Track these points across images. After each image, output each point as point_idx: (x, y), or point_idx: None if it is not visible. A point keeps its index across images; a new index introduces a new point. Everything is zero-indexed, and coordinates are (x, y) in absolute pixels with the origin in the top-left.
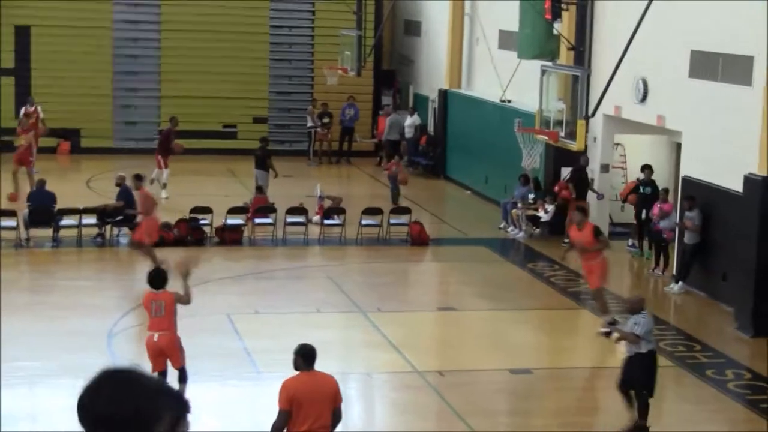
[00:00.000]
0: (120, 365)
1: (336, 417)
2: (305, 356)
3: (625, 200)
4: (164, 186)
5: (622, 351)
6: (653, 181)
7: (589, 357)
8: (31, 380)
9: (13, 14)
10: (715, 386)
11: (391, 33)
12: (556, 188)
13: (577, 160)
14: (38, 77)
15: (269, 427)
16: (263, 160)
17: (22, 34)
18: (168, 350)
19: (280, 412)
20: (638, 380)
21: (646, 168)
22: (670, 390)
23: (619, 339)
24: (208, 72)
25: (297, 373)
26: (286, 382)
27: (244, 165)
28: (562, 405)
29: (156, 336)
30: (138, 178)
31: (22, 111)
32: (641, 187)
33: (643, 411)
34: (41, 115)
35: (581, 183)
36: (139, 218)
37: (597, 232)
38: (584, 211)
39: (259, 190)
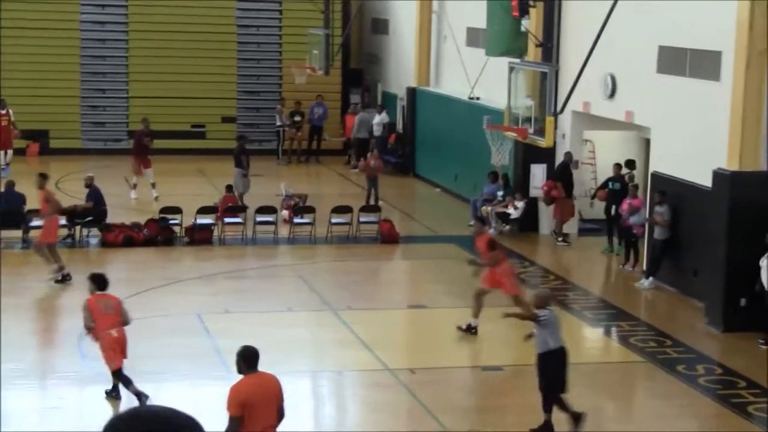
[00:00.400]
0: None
1: (280, 414)
2: (247, 359)
3: (594, 196)
4: (153, 185)
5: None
6: (623, 177)
7: None
8: (2, 381)
9: None
10: (686, 381)
11: (358, 31)
12: (545, 187)
13: (548, 157)
14: (6, 79)
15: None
16: (237, 159)
17: None
18: (123, 345)
19: (232, 419)
20: (551, 378)
21: (617, 164)
22: (640, 385)
23: (529, 322)
24: (176, 72)
25: (242, 377)
26: (236, 387)
27: (213, 165)
28: (533, 402)
29: (114, 331)
30: (42, 177)
31: None
32: (611, 183)
33: (562, 404)
34: (12, 118)
35: (567, 180)
36: (41, 220)
37: (492, 244)
38: (482, 221)
39: (229, 188)
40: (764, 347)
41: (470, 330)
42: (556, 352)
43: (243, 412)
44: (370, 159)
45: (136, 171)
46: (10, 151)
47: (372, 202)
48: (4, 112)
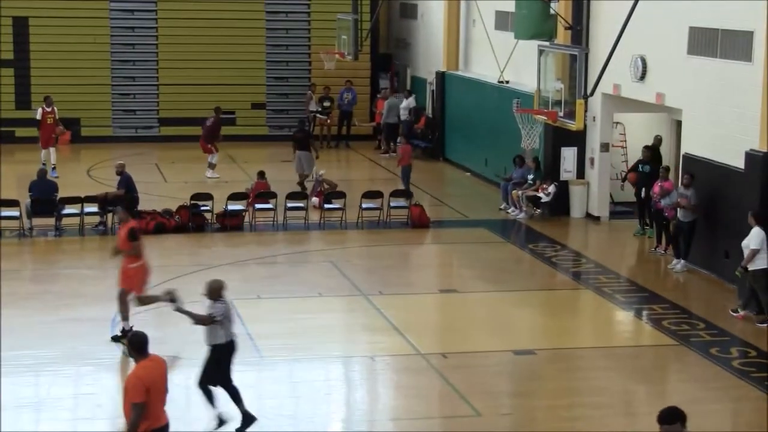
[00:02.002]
0: None
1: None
2: (136, 346)
3: (624, 179)
4: (212, 167)
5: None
6: (653, 160)
7: (592, 337)
8: (35, 368)
9: (11, 5)
10: (720, 364)
11: (387, 16)
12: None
13: (579, 140)
14: (37, 68)
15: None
16: (305, 142)
17: (21, 26)
18: None
19: (138, 405)
20: (211, 370)
21: (646, 147)
22: (673, 369)
23: (196, 323)
24: (205, 59)
25: (137, 362)
26: (136, 374)
27: (243, 151)
28: (565, 385)
29: None
30: None
31: (39, 111)
32: (640, 166)
33: (236, 397)
34: (57, 116)
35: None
36: None
37: (132, 235)
38: (127, 208)
39: (261, 175)
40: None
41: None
42: (226, 345)
43: (147, 397)
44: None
45: (208, 151)
46: (53, 149)
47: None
48: (49, 109)
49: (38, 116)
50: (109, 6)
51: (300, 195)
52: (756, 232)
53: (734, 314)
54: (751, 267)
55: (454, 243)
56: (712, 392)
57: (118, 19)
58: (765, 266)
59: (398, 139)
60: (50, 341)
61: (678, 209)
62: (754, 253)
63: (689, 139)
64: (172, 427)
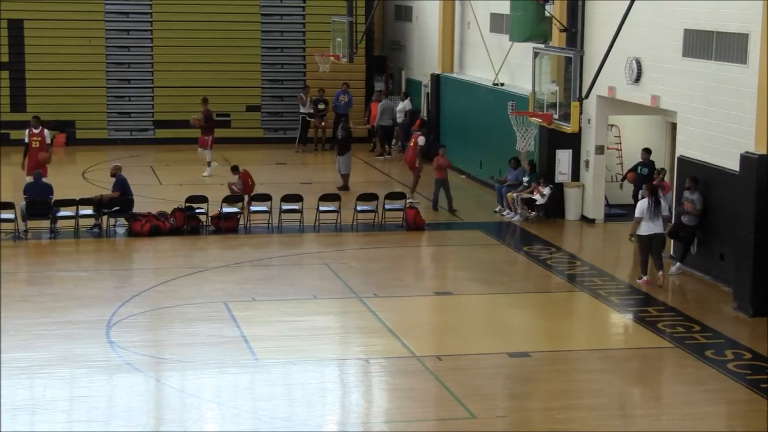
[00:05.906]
0: None
1: None
2: None
3: (624, 178)
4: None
5: None
6: (652, 162)
7: (587, 339)
8: (30, 371)
9: (5, 8)
10: (715, 366)
11: (382, 19)
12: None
13: (574, 142)
14: (32, 71)
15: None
16: (347, 143)
17: (15, 28)
18: None
19: None
20: None
21: (645, 149)
22: (669, 371)
23: None
24: (200, 62)
25: None
26: None
27: (238, 153)
28: (560, 387)
29: None
30: None
31: (26, 132)
32: (639, 168)
33: None
34: (48, 140)
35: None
36: None
37: None
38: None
39: (234, 169)
40: None
41: None
42: None
43: None
44: (437, 158)
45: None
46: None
47: (446, 207)
48: (37, 131)
49: (26, 139)
50: (104, 8)
51: (295, 197)
52: (640, 202)
53: (639, 281)
54: (637, 232)
55: (449, 245)
56: (707, 394)
57: (113, 22)
58: (641, 233)
59: (393, 142)
60: (45, 343)
61: (684, 213)
62: (638, 221)
63: (684, 141)
64: (168, 427)
